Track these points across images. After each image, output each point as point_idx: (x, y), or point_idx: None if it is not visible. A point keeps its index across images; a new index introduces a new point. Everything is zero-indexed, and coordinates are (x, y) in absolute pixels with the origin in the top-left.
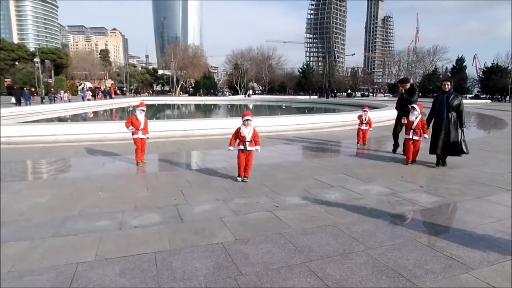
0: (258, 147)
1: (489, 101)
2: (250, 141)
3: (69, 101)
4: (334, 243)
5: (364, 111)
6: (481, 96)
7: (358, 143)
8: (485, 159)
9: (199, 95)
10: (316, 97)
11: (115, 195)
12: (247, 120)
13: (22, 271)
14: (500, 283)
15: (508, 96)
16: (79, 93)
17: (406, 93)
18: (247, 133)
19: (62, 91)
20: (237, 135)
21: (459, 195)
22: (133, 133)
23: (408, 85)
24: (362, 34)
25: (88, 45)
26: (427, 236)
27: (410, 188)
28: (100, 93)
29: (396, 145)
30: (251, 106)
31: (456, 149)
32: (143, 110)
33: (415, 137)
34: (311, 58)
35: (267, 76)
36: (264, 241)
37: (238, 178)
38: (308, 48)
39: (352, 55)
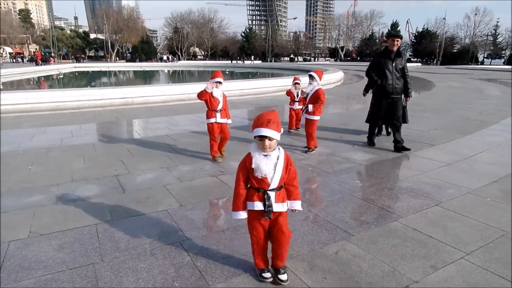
0: (298, 204)
1: (420, 64)
2: (279, 188)
3: None
4: None
5: (296, 83)
6: (413, 60)
7: (292, 129)
8: (414, 117)
9: (155, 61)
10: (241, 62)
11: (48, 169)
12: (265, 138)
13: None
14: (422, 227)
15: (436, 60)
16: None
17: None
18: (269, 169)
19: None
20: (247, 175)
21: (391, 152)
22: (208, 116)
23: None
24: None
25: (4, 4)
26: (362, 191)
27: (348, 147)
28: (52, 59)
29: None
30: (170, 71)
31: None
32: (220, 83)
33: (308, 116)
34: (254, 22)
35: (209, 40)
36: (209, 205)
37: (265, 274)
38: (251, 12)
39: (294, 18)
